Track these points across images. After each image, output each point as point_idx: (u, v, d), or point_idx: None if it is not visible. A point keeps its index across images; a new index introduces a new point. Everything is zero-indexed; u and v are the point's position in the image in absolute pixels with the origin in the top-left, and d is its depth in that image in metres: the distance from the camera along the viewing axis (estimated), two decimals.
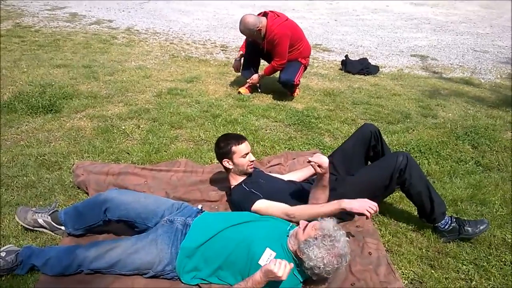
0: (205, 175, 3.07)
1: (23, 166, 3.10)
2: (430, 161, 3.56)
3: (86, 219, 2.33)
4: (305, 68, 4.96)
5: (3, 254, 2.10)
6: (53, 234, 2.42)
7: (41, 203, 2.69)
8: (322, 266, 1.95)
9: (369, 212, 2.24)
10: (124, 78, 5.35)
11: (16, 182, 2.90)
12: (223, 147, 2.63)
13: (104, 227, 2.38)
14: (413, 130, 4.22)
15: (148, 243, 2.11)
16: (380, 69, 6.59)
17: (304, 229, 2.06)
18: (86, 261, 2.07)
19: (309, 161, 2.33)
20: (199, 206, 2.49)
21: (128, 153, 3.40)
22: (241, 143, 2.62)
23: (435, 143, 3.88)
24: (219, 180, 3.01)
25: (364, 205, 2.26)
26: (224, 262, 2.05)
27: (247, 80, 4.96)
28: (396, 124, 4.37)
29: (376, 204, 2.28)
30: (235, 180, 2.67)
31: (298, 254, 2.03)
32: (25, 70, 5.40)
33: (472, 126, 4.33)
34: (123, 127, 3.86)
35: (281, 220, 2.33)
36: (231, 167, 2.64)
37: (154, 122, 4.04)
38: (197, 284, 2.08)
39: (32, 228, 2.41)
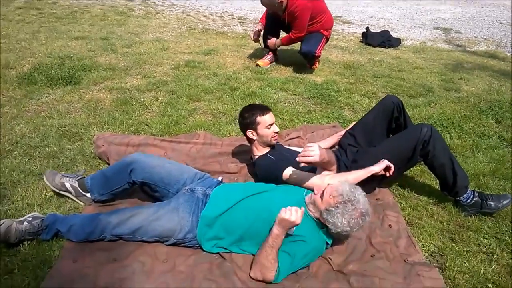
0: (224, 148, 3.06)
1: (45, 136, 3.14)
2: (453, 135, 3.49)
3: (112, 182, 2.37)
4: (327, 40, 4.86)
5: (29, 218, 2.16)
6: (77, 200, 2.46)
7: (62, 172, 2.72)
8: (349, 229, 2.02)
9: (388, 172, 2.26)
10: (142, 50, 5.33)
11: (39, 152, 2.95)
12: (248, 117, 2.59)
13: (128, 192, 2.44)
14: (435, 104, 4.13)
15: (170, 211, 2.13)
16: (401, 41, 6.44)
17: (321, 197, 2.07)
18: (109, 227, 2.10)
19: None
20: (220, 178, 2.50)
21: (148, 125, 3.42)
22: (266, 114, 2.58)
23: (457, 117, 3.80)
24: (238, 152, 3.01)
25: (381, 166, 2.33)
26: (245, 232, 2.07)
27: (267, 43, 4.88)
28: (418, 98, 4.28)
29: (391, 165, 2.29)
30: (259, 151, 2.65)
31: (322, 221, 2.07)
32: (44, 42, 5.42)
33: (496, 101, 4.21)
34: (142, 99, 3.87)
35: (297, 188, 2.33)
36: (255, 138, 2.61)
37: (173, 94, 4.03)
38: (218, 253, 2.11)
39: (58, 191, 2.46)
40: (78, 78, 4.23)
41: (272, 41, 4.85)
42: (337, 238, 2.17)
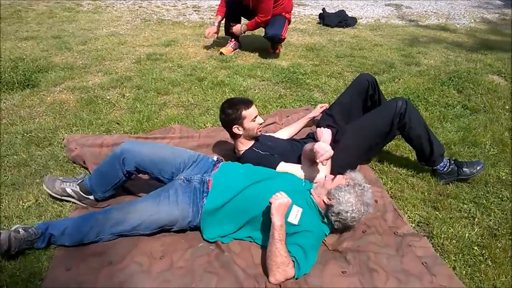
0: (202, 140, 3.02)
1: (11, 144, 2.98)
2: (420, 108, 3.62)
3: (109, 177, 2.31)
4: (289, 22, 4.87)
5: (21, 229, 2.05)
6: (81, 204, 2.39)
7: (37, 180, 2.60)
8: (350, 211, 2.03)
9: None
10: (99, 47, 5.14)
11: (7, 161, 2.79)
12: (232, 113, 2.48)
13: (128, 183, 2.44)
14: (399, 79, 4.25)
15: (169, 205, 2.09)
16: (357, 20, 6.55)
17: (333, 180, 2.13)
18: (107, 226, 2.05)
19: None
20: (214, 158, 2.43)
21: (118, 123, 3.31)
22: (250, 107, 2.49)
23: (421, 90, 3.93)
24: (218, 143, 2.97)
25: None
26: (250, 222, 2.07)
27: (232, 29, 4.81)
28: (382, 74, 4.39)
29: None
30: (244, 145, 2.58)
31: (326, 201, 2.08)
32: None
33: (455, 71, 4.40)
34: (108, 97, 3.74)
35: (297, 177, 2.34)
36: (241, 132, 2.52)
37: (139, 89, 3.92)
38: (214, 242, 2.11)
39: (60, 197, 2.39)
40: (36, 81, 4.02)
41: (238, 27, 4.79)
42: (334, 227, 2.16)
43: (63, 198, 2.39)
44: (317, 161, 2.23)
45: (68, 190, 2.36)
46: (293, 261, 1.87)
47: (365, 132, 2.58)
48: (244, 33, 4.88)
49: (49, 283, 1.85)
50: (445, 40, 5.75)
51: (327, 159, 2.24)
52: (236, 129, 2.52)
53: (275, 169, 2.41)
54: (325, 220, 2.12)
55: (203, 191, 2.15)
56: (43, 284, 1.87)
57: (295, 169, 2.40)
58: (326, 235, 2.14)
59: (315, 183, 2.28)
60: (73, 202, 2.40)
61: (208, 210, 2.09)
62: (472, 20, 6.94)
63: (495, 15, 7.43)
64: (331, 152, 2.23)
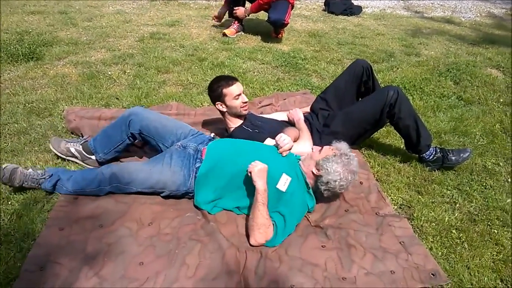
0: (198, 117, 3.10)
1: (12, 113, 3.07)
2: (415, 97, 3.66)
3: (114, 138, 2.45)
4: (292, 7, 4.88)
5: (31, 168, 2.28)
6: (84, 164, 2.53)
7: (36, 148, 2.70)
8: (338, 179, 2.15)
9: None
10: (104, 24, 5.19)
11: (8, 129, 2.88)
12: (215, 89, 2.55)
13: (130, 151, 2.59)
14: (398, 68, 4.29)
15: (162, 165, 2.23)
16: (362, 9, 6.55)
17: (320, 151, 2.24)
18: (107, 177, 2.21)
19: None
20: (212, 135, 2.56)
21: (117, 98, 3.39)
22: (232, 85, 2.52)
23: (418, 80, 3.97)
24: (213, 121, 3.05)
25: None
26: (239, 188, 2.16)
27: (236, 12, 4.84)
28: (381, 63, 4.43)
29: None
30: (233, 123, 2.64)
31: (315, 172, 2.19)
32: None
33: (454, 63, 4.42)
34: (109, 73, 3.81)
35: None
36: (224, 109, 2.58)
37: (140, 67, 3.99)
38: (201, 211, 2.21)
39: (64, 157, 2.54)
40: (40, 54, 4.10)
41: (241, 10, 4.81)
42: (319, 197, 2.27)
43: (67, 158, 2.54)
44: (278, 151, 2.30)
45: (72, 150, 2.51)
46: (273, 224, 1.99)
47: (355, 119, 2.65)
48: (248, 15, 4.90)
49: (42, 240, 1.96)
50: (448, 33, 5.75)
51: (286, 151, 2.30)
52: (219, 106, 2.59)
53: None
54: (310, 191, 2.22)
55: (196, 158, 2.26)
56: (37, 240, 1.97)
57: None
58: (308, 208, 2.22)
59: (303, 155, 2.37)
60: (75, 162, 2.54)
61: (201, 173, 2.19)
62: (478, 14, 6.92)
63: (502, 10, 7.39)
64: (291, 145, 2.31)
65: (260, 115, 2.93)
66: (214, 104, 2.63)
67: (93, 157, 2.51)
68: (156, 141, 2.44)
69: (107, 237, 1.98)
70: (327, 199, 2.33)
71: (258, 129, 2.58)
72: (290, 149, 2.31)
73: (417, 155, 2.77)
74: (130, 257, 1.88)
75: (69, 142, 2.54)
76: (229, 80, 2.57)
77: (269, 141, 2.46)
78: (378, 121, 2.64)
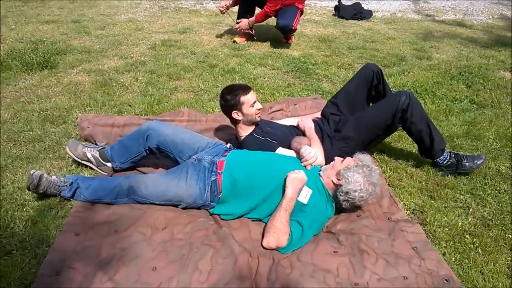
0: (209, 123, 3.12)
1: (27, 121, 3.13)
2: (426, 101, 3.65)
3: (131, 150, 2.48)
4: (302, 13, 4.90)
5: (54, 175, 2.33)
6: (98, 170, 2.57)
7: (50, 155, 2.74)
8: (359, 190, 2.12)
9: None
10: (116, 32, 5.27)
11: (23, 137, 2.94)
12: (231, 99, 2.53)
13: (146, 159, 2.59)
14: (409, 72, 4.27)
15: (179, 180, 2.24)
16: (373, 13, 6.55)
17: (342, 161, 2.24)
18: (125, 189, 2.25)
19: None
20: (228, 145, 2.54)
21: (130, 105, 3.43)
22: (248, 93, 2.53)
23: (430, 83, 3.95)
24: (224, 127, 3.06)
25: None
26: (262, 202, 2.17)
27: (235, 26, 4.88)
28: (392, 67, 4.41)
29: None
30: (245, 131, 2.64)
31: (335, 181, 2.18)
32: (13, 27, 5.29)
33: (466, 66, 4.39)
34: (122, 80, 3.87)
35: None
36: (240, 118, 2.57)
37: (152, 74, 4.04)
38: (213, 216, 2.24)
39: (79, 161, 2.58)
40: (54, 62, 4.18)
41: (244, 22, 4.79)
42: (339, 208, 2.25)
43: (82, 162, 2.58)
44: (302, 164, 2.30)
45: (88, 155, 2.55)
46: (289, 234, 1.99)
47: (367, 125, 2.64)
48: (252, 26, 4.89)
49: (58, 246, 1.99)
50: (459, 36, 5.71)
51: (311, 164, 2.31)
52: (235, 115, 2.57)
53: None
54: (332, 202, 2.21)
55: (211, 171, 2.26)
56: (52, 245, 2.00)
57: (292, 155, 2.48)
58: (328, 219, 2.22)
59: (322, 166, 2.37)
60: (90, 168, 2.58)
61: (224, 193, 2.21)
62: (490, 17, 6.86)
63: None
64: (316, 158, 2.33)
65: (271, 120, 2.94)
66: (229, 113, 2.60)
67: (108, 164, 2.54)
68: (174, 155, 2.45)
69: (121, 242, 2.00)
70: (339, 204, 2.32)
71: (269, 136, 2.58)
72: (314, 162, 2.32)
73: (430, 160, 2.75)
74: (144, 262, 1.90)
75: (86, 146, 2.58)
76: (245, 88, 2.57)
77: (281, 150, 2.48)
78: (390, 126, 2.63)
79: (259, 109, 2.60)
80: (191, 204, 2.24)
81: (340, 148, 2.56)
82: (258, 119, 2.63)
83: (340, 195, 2.17)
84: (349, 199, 2.16)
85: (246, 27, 4.85)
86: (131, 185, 2.24)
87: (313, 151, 2.33)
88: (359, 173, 2.14)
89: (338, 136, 2.66)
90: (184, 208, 2.26)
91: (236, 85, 2.74)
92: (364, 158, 2.24)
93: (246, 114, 2.56)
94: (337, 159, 2.30)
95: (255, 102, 2.57)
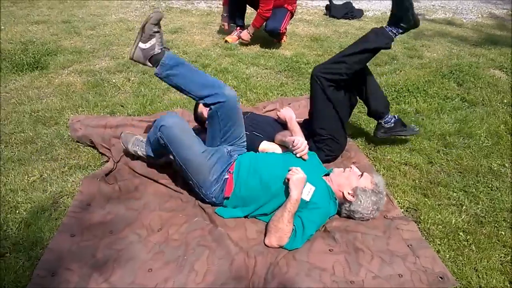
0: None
1: (19, 123, 3.09)
2: (418, 99, 3.67)
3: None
4: (292, 15, 4.89)
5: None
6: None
7: (43, 157, 2.72)
8: (364, 212, 2.19)
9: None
10: (107, 32, 5.23)
11: (14, 138, 2.90)
12: (194, 113, 2.80)
13: None
14: (401, 71, 4.30)
15: (208, 159, 2.22)
16: (364, 13, 6.57)
17: (360, 176, 2.22)
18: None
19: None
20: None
21: (122, 106, 3.41)
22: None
23: (422, 82, 3.98)
24: None
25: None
26: (267, 201, 2.17)
27: (241, 37, 4.88)
28: (384, 66, 4.44)
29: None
30: None
31: (349, 197, 2.18)
32: (2, 27, 5.22)
33: (457, 65, 4.43)
34: (114, 81, 3.84)
35: (318, 160, 2.47)
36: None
37: (144, 74, 4.01)
38: (207, 215, 2.24)
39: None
40: (45, 63, 4.13)
41: (245, 33, 4.83)
42: (339, 213, 2.27)
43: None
44: (298, 155, 2.31)
45: (139, 153, 2.57)
46: (292, 232, 2.00)
47: (325, 115, 2.68)
48: (253, 34, 4.86)
49: (54, 246, 1.97)
50: (450, 34, 5.76)
51: (306, 153, 2.32)
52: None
53: (257, 147, 2.54)
54: (335, 200, 2.23)
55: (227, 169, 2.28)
56: (48, 246, 1.98)
57: (275, 147, 2.54)
58: (330, 217, 2.23)
59: (336, 170, 2.35)
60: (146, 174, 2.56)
61: (235, 194, 2.22)
62: (480, 15, 6.93)
63: (503, 10, 7.40)
64: (306, 144, 2.34)
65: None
66: (202, 124, 2.77)
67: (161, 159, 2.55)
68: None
69: (117, 243, 1.99)
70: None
71: (256, 131, 2.61)
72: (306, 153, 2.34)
73: (426, 160, 2.81)
74: (139, 264, 1.89)
75: (136, 145, 2.57)
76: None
77: (264, 144, 2.53)
78: (332, 99, 2.61)
79: None
80: (199, 186, 2.22)
81: (317, 123, 2.66)
82: None
83: (345, 208, 2.21)
84: (351, 215, 2.22)
85: (248, 37, 4.84)
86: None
87: (301, 139, 2.34)
88: (372, 200, 2.17)
89: (315, 134, 2.68)
90: (185, 184, 2.28)
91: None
92: (380, 182, 2.22)
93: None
94: (354, 170, 2.27)
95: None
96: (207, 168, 2.20)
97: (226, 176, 2.23)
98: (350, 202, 2.18)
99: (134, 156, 2.62)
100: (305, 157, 2.31)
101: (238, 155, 2.37)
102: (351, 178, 2.23)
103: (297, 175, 2.05)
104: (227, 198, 2.23)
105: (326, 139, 2.64)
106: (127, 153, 2.64)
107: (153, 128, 2.34)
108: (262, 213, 2.20)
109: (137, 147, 2.56)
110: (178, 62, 2.36)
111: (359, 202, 2.16)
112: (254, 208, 2.20)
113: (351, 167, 2.31)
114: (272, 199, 2.15)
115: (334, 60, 2.68)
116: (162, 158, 2.51)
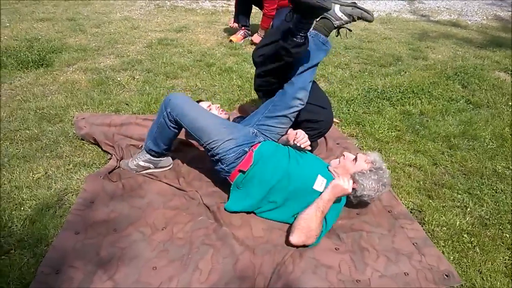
0: None
1: (24, 120, 3.10)
2: (423, 101, 3.67)
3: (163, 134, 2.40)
4: None
5: None
6: (161, 169, 2.57)
7: (47, 154, 2.72)
8: (373, 194, 2.16)
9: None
10: (112, 30, 5.24)
11: (19, 135, 2.91)
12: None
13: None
14: (405, 72, 4.29)
15: (227, 129, 2.22)
16: None
17: (354, 160, 2.21)
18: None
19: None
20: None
21: (127, 104, 3.41)
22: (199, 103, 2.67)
23: (426, 84, 3.97)
24: None
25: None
26: (287, 198, 2.15)
27: (253, 40, 4.89)
28: (389, 67, 4.43)
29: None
30: None
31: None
32: (7, 25, 5.23)
33: (461, 67, 4.42)
34: (118, 79, 3.85)
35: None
36: None
37: (149, 73, 4.02)
38: (213, 212, 2.23)
39: (140, 172, 2.54)
40: (50, 60, 4.14)
41: (256, 37, 4.86)
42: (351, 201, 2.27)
43: (143, 173, 2.54)
44: (302, 146, 2.26)
45: (142, 163, 2.52)
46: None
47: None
48: (263, 35, 4.85)
49: (58, 243, 1.97)
50: (455, 36, 5.75)
51: (307, 144, 2.28)
52: None
53: None
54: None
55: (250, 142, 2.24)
56: (53, 243, 1.99)
57: None
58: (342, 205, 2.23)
59: (332, 162, 2.34)
60: (151, 173, 2.54)
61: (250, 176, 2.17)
62: (485, 17, 6.91)
63: (508, 12, 7.38)
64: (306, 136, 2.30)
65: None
66: None
67: (163, 158, 2.53)
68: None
69: (120, 241, 1.99)
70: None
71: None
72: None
73: (428, 160, 2.77)
74: (144, 262, 1.89)
75: (134, 159, 2.54)
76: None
77: None
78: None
79: (219, 108, 2.91)
80: (212, 140, 2.16)
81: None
82: (225, 116, 2.88)
83: (352, 196, 2.20)
84: (361, 199, 2.21)
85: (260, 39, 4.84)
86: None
87: (301, 131, 2.31)
88: (374, 179, 2.15)
89: None
90: (201, 144, 2.23)
91: None
92: (376, 158, 2.21)
93: None
94: (347, 156, 2.26)
95: (209, 106, 2.86)
96: (225, 133, 2.17)
97: (246, 149, 2.18)
98: (354, 190, 2.17)
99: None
100: (308, 147, 2.29)
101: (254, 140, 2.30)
102: (347, 165, 2.22)
103: (342, 183, 2.04)
104: (243, 171, 2.16)
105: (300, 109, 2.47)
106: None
107: (158, 113, 2.35)
108: (273, 205, 2.16)
109: (137, 159, 2.53)
110: None
111: (362, 187, 2.15)
112: (264, 194, 2.15)
113: (343, 155, 2.29)
114: (288, 190, 2.13)
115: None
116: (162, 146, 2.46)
